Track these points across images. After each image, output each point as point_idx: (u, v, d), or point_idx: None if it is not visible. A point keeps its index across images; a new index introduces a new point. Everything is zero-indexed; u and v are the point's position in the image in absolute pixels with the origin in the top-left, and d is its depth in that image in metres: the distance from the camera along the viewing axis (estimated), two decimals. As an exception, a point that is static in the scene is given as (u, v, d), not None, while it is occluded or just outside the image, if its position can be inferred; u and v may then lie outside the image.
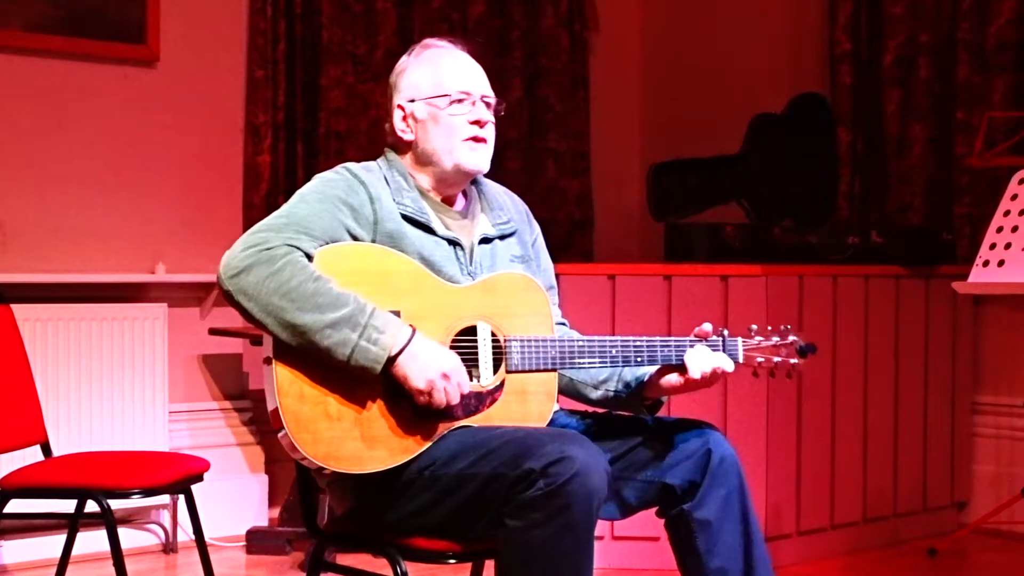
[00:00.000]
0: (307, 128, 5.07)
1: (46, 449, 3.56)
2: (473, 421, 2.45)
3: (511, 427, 2.43)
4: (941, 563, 4.36)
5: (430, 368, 2.34)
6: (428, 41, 2.67)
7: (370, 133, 5.18)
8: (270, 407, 2.37)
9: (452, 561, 2.47)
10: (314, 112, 5.07)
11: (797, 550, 4.30)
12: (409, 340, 2.34)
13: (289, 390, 2.35)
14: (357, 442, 2.36)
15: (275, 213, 2.45)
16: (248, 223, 4.84)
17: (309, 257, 2.38)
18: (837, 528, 4.45)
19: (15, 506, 3.31)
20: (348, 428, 2.36)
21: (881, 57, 5.13)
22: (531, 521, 2.26)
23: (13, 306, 3.64)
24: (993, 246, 3.91)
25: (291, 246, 2.36)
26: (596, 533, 2.33)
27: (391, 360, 2.33)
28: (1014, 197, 3.95)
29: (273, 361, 2.35)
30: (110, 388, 4.38)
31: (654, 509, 2.62)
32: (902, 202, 5.08)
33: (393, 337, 2.33)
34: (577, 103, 5.74)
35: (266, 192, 4.89)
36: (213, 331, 4.65)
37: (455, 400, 2.38)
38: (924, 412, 4.72)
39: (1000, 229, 3.93)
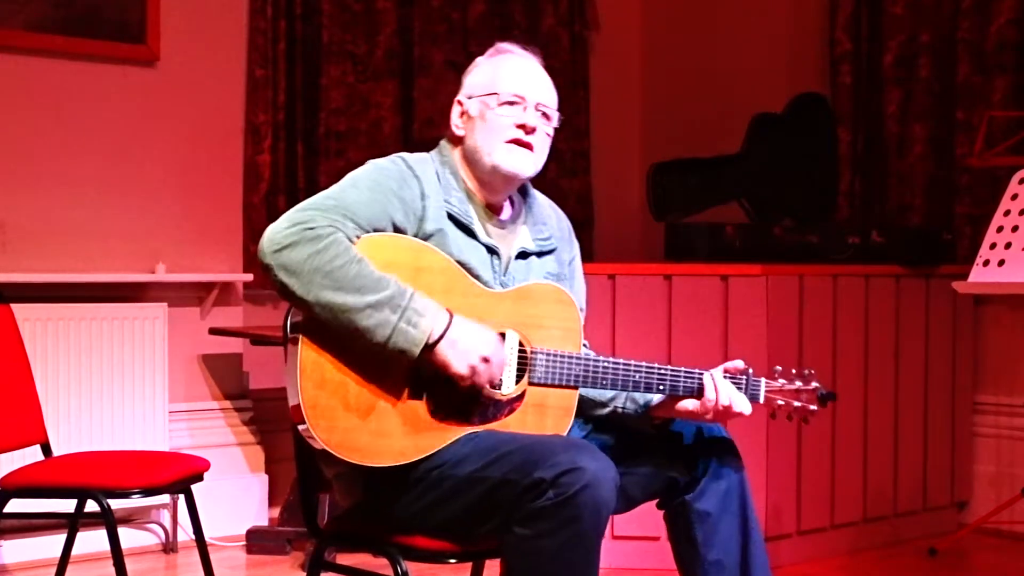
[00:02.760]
0: (307, 128, 5.07)
1: (46, 449, 3.56)
2: (489, 428, 2.44)
3: (523, 434, 2.42)
4: (941, 563, 4.36)
5: (470, 353, 2.35)
6: (502, 45, 2.66)
7: (370, 133, 5.18)
8: (290, 395, 2.36)
9: (452, 561, 2.47)
10: (314, 112, 5.08)
11: (797, 550, 4.30)
12: (448, 326, 2.35)
13: (311, 374, 2.34)
14: (371, 435, 2.36)
15: (324, 193, 2.44)
16: (248, 223, 4.85)
17: (351, 242, 2.37)
18: (837, 528, 4.45)
19: (15, 506, 3.30)
20: (364, 420, 2.35)
21: (881, 57, 5.14)
22: (540, 530, 2.26)
23: (13, 306, 3.64)
24: (993, 246, 3.91)
25: (335, 228, 2.35)
26: (601, 544, 2.32)
27: (429, 347, 2.33)
28: (1014, 197, 3.95)
29: (300, 341, 2.35)
30: (110, 388, 4.38)
31: (654, 501, 2.64)
32: (902, 202, 5.08)
33: (432, 321, 2.33)
34: (577, 103, 5.75)
35: (266, 192, 4.89)
36: (213, 331, 4.65)
37: (498, 378, 2.41)
38: (924, 412, 4.72)
39: (1000, 229, 3.93)
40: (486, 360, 2.36)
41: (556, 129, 2.64)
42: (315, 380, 2.34)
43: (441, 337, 2.34)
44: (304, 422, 2.33)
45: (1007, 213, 3.94)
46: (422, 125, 5.30)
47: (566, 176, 5.70)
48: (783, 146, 5.02)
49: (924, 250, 4.64)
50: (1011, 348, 4.84)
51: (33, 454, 3.58)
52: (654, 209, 4.83)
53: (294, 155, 5.02)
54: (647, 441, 2.58)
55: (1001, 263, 3.86)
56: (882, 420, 4.58)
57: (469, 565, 2.87)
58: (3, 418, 3.44)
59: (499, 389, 2.45)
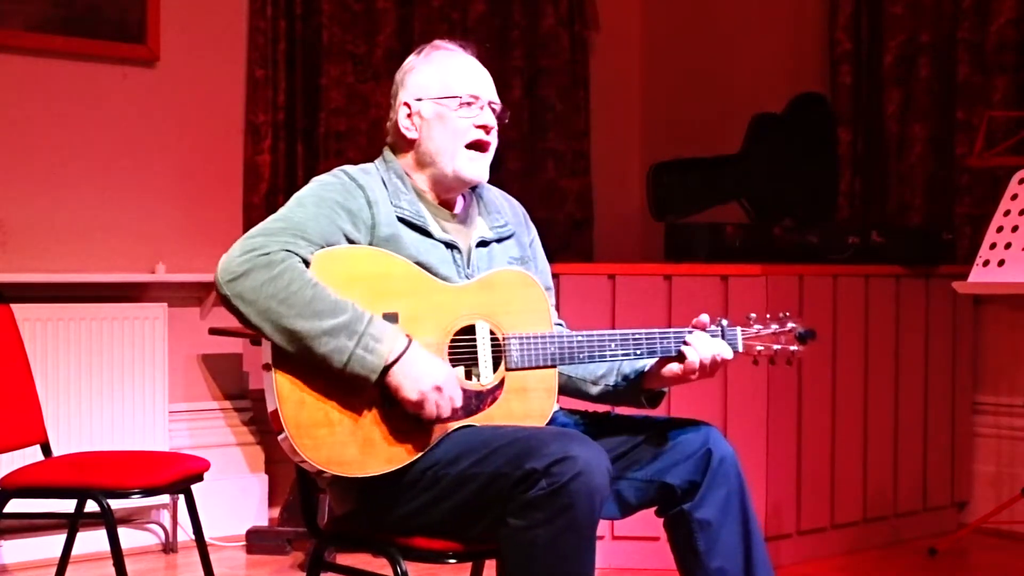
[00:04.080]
0: (307, 128, 5.07)
1: (46, 449, 3.56)
2: (474, 420, 2.45)
3: (513, 427, 2.43)
4: (941, 563, 4.36)
5: (423, 380, 2.34)
6: (437, 43, 2.66)
7: (370, 133, 5.18)
8: (270, 410, 2.36)
9: (452, 561, 2.47)
10: (314, 112, 5.08)
11: (797, 550, 4.30)
12: (405, 350, 2.34)
13: (289, 396, 2.34)
14: (358, 446, 2.36)
15: (272, 217, 2.44)
16: (248, 223, 4.84)
17: (306, 263, 2.37)
18: (837, 528, 4.45)
19: (15, 506, 3.30)
20: (349, 433, 2.36)
21: (881, 57, 5.14)
22: (534, 520, 2.26)
23: (13, 306, 3.64)
24: (993, 246, 3.91)
25: (288, 251, 2.35)
26: (596, 532, 2.33)
27: (386, 369, 2.33)
28: (1014, 197, 3.95)
29: (272, 367, 2.35)
30: (110, 388, 4.38)
31: (653, 509, 2.63)
32: (902, 202, 5.08)
33: (390, 346, 2.33)
34: (577, 103, 5.75)
35: (266, 192, 4.89)
36: (213, 331, 4.65)
37: (446, 413, 2.37)
38: (924, 412, 4.72)
39: (1000, 229, 3.93)
40: (438, 389, 2.34)
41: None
42: (295, 401, 2.34)
43: (396, 360, 2.33)
44: (283, 430, 2.33)
45: (1007, 213, 3.94)
46: (422, 125, 5.29)
47: (566, 176, 5.69)
48: (783, 146, 5.02)
49: (924, 250, 4.64)
50: (1011, 348, 4.84)
51: (33, 454, 3.58)
52: (654, 209, 4.83)
53: (294, 155, 5.02)
54: (643, 447, 2.58)
55: (1001, 263, 3.86)
56: (882, 420, 4.58)
57: (469, 565, 2.87)
58: (3, 418, 3.44)
59: (477, 380, 2.46)
